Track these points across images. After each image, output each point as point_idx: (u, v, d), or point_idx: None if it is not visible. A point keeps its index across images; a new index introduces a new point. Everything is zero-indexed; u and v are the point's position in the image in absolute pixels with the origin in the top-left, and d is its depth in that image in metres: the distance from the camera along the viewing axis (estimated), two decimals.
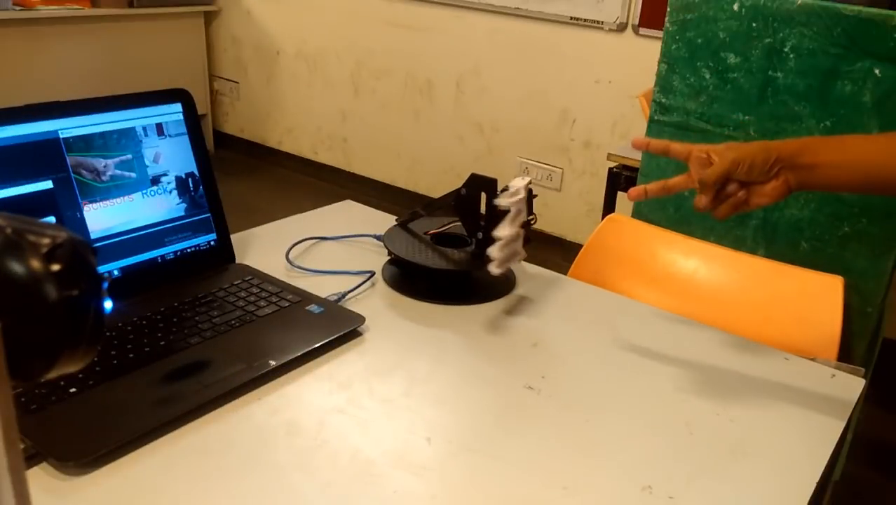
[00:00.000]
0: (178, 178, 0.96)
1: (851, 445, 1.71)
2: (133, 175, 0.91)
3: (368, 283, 1.01)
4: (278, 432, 0.71)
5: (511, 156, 3.14)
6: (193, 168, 0.97)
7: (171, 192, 0.95)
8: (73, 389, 0.71)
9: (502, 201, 0.92)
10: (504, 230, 0.91)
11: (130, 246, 0.91)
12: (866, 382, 0.89)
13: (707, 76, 1.26)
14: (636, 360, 0.89)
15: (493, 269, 0.90)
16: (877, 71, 1.11)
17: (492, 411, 0.77)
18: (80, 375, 0.73)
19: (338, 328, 0.87)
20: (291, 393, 0.77)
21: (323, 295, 0.94)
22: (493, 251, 0.90)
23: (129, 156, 0.91)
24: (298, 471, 0.66)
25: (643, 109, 1.91)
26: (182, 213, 0.96)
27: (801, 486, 0.69)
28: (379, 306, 0.96)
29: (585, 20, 2.77)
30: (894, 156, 0.80)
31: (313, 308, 0.91)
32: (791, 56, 1.17)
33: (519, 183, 0.94)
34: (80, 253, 0.33)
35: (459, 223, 1.04)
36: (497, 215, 0.93)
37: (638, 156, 1.38)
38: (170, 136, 0.95)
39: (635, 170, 1.72)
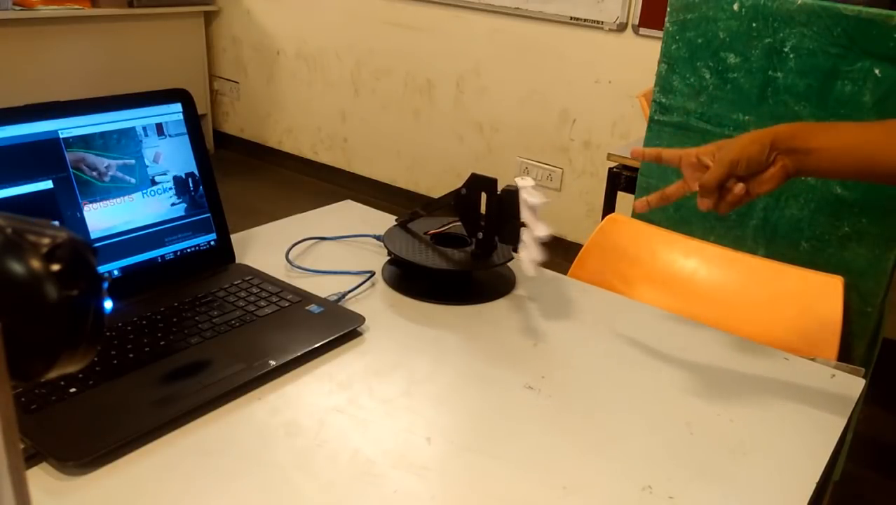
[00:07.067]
0: (177, 179, 0.96)
1: (851, 445, 1.71)
2: (133, 175, 0.91)
3: (368, 283, 1.01)
4: (278, 432, 0.71)
5: (511, 156, 3.14)
6: (193, 168, 0.97)
7: (171, 192, 0.95)
8: (73, 389, 0.71)
9: (535, 198, 0.92)
10: (542, 229, 0.90)
11: (130, 246, 0.91)
12: (866, 381, 0.89)
13: (707, 76, 1.26)
14: (636, 360, 0.89)
15: (531, 270, 0.90)
16: (877, 71, 1.11)
17: (492, 411, 0.77)
18: (80, 375, 0.73)
19: (338, 328, 0.87)
20: (291, 393, 0.77)
21: (323, 295, 0.94)
22: (532, 252, 0.91)
23: (129, 156, 0.91)
24: (298, 471, 0.66)
25: (643, 109, 1.91)
26: (182, 213, 0.96)
27: (801, 486, 0.69)
28: (379, 306, 0.96)
29: (585, 20, 2.77)
30: (889, 140, 0.80)
31: (313, 308, 0.91)
32: (791, 56, 1.17)
33: (527, 182, 0.95)
34: (80, 253, 0.33)
35: (459, 223, 1.04)
36: (505, 210, 0.93)
37: None
38: (170, 136, 0.95)
39: (635, 170, 1.72)
